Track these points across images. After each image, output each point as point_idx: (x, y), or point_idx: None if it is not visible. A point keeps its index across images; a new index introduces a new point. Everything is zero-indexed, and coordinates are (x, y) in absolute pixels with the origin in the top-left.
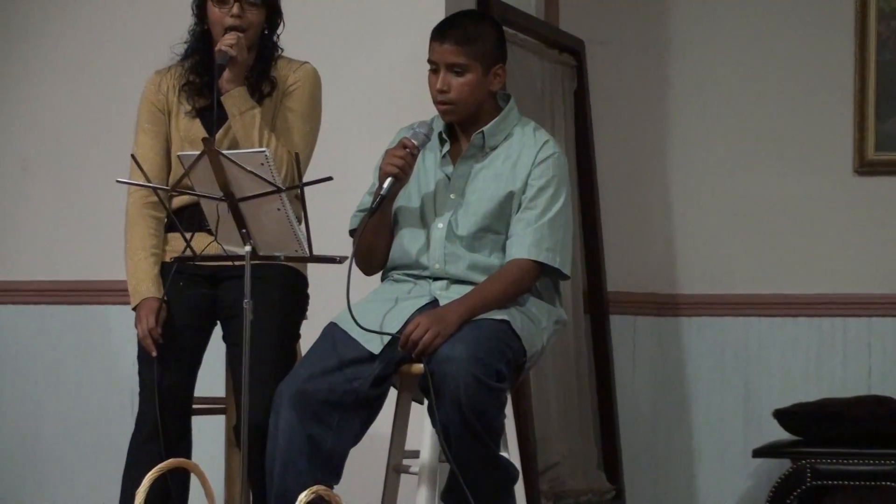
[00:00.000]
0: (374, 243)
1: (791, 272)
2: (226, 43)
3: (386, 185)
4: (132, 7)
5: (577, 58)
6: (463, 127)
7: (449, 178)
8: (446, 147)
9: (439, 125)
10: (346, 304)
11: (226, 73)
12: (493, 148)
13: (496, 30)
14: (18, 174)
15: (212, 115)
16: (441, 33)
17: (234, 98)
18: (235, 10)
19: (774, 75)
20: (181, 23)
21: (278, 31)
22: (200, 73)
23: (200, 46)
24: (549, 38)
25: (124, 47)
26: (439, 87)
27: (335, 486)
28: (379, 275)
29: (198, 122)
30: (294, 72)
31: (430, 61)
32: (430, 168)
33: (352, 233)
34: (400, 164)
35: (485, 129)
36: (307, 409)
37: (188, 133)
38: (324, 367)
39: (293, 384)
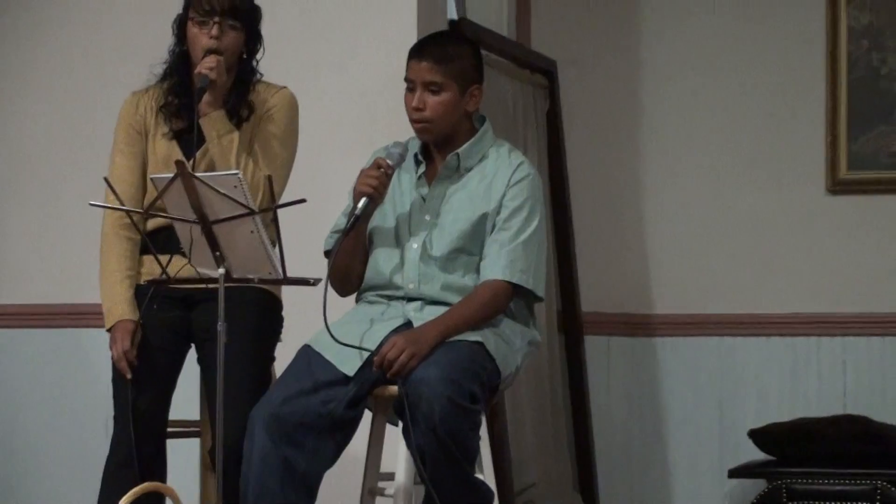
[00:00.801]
0: (349, 264)
1: (765, 291)
2: (206, 66)
3: (360, 204)
4: (109, 28)
5: (549, 78)
6: (439, 148)
7: (424, 199)
8: (422, 168)
9: (415, 146)
10: (323, 325)
11: (205, 97)
12: (468, 169)
13: (474, 51)
14: None
15: (189, 138)
16: (419, 52)
17: (213, 121)
18: (214, 31)
19: (746, 95)
20: (158, 43)
21: (258, 56)
22: (179, 94)
23: (180, 67)
24: (521, 58)
25: (101, 68)
26: (415, 105)
27: None
28: (353, 297)
29: (175, 144)
30: (272, 96)
31: (406, 79)
32: (405, 189)
33: (327, 254)
34: (374, 183)
35: (460, 150)
36: (281, 431)
37: (166, 155)
38: (298, 389)
39: (267, 407)
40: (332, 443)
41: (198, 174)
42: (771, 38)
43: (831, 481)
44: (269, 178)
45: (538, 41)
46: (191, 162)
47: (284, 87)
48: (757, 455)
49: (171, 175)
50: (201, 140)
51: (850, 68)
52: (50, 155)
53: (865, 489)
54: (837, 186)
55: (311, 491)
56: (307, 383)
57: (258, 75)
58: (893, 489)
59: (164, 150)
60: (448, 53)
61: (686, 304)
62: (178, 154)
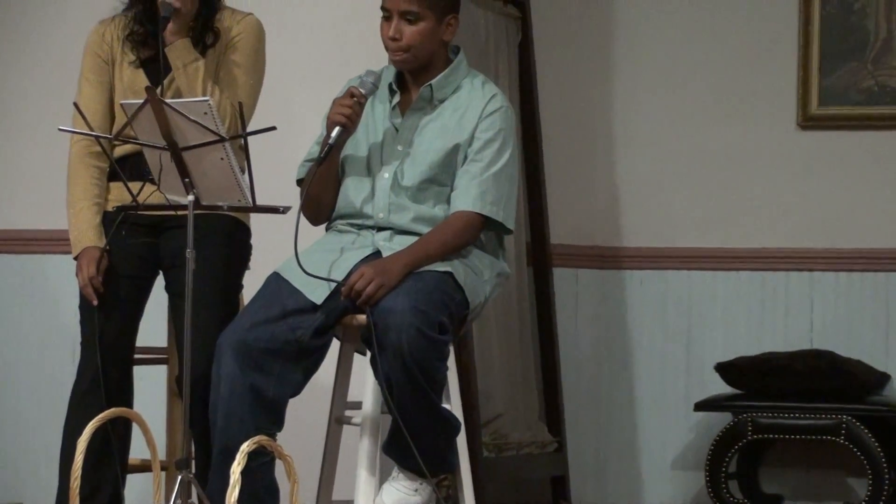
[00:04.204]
0: (321, 193)
1: (734, 226)
2: None
3: (334, 134)
4: None
5: (522, 9)
6: (414, 77)
7: (397, 130)
8: (396, 98)
9: (389, 76)
10: (292, 253)
11: (170, 25)
12: (442, 101)
13: None
14: None
15: (156, 67)
16: None
17: (178, 50)
18: None
19: (719, 28)
20: None
21: None
22: (144, 22)
23: None
24: None
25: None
26: (391, 35)
27: (278, 434)
28: (324, 226)
29: (141, 72)
30: (238, 23)
31: (382, 8)
32: (378, 119)
33: (299, 182)
34: (347, 112)
35: (433, 82)
36: (249, 358)
37: (132, 83)
38: (266, 316)
39: (235, 334)
40: (300, 370)
41: (167, 100)
42: None
43: (797, 415)
44: (240, 105)
45: None
46: (158, 90)
47: (250, 14)
48: (723, 389)
49: (140, 101)
50: (168, 68)
51: (823, 4)
52: (14, 80)
53: (830, 423)
54: (808, 122)
55: (279, 416)
56: (275, 310)
57: (222, 1)
58: (858, 423)
59: (131, 79)
60: None
61: (655, 238)
62: (144, 82)
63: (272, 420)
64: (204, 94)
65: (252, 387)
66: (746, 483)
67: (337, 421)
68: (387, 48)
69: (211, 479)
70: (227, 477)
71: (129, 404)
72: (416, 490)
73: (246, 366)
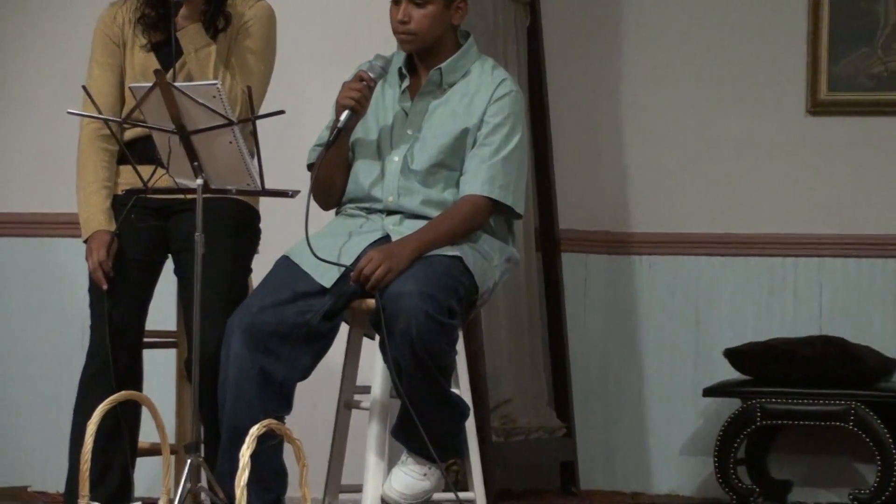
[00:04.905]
0: (331, 177)
1: (743, 211)
2: None
3: (343, 117)
4: None
5: None
6: (423, 61)
7: (406, 114)
8: (406, 82)
9: (399, 60)
10: (303, 237)
11: (182, 10)
12: (451, 85)
13: None
14: None
15: (167, 50)
16: None
17: (190, 35)
18: None
19: (728, 14)
20: None
21: None
22: (156, 6)
23: None
24: None
25: None
26: (400, 18)
27: (287, 417)
28: (333, 211)
29: (153, 56)
30: (249, 8)
31: None
32: (388, 103)
33: (309, 167)
34: (356, 96)
35: (442, 66)
36: (257, 341)
37: (143, 67)
38: (275, 299)
39: (244, 317)
40: (308, 353)
41: (177, 84)
42: None
43: (805, 401)
44: (249, 90)
45: None
46: (169, 74)
47: (262, 0)
48: (732, 374)
49: (149, 84)
50: (179, 52)
51: None
52: (25, 63)
53: (839, 409)
54: (818, 108)
55: (288, 399)
56: (284, 293)
57: None
58: (867, 409)
59: (142, 62)
60: None
61: (664, 223)
62: (155, 66)
63: (280, 403)
64: (215, 79)
65: (261, 369)
66: (755, 469)
67: (346, 405)
68: (395, 32)
69: (219, 461)
70: (235, 459)
71: (139, 387)
72: (424, 475)
73: (255, 348)
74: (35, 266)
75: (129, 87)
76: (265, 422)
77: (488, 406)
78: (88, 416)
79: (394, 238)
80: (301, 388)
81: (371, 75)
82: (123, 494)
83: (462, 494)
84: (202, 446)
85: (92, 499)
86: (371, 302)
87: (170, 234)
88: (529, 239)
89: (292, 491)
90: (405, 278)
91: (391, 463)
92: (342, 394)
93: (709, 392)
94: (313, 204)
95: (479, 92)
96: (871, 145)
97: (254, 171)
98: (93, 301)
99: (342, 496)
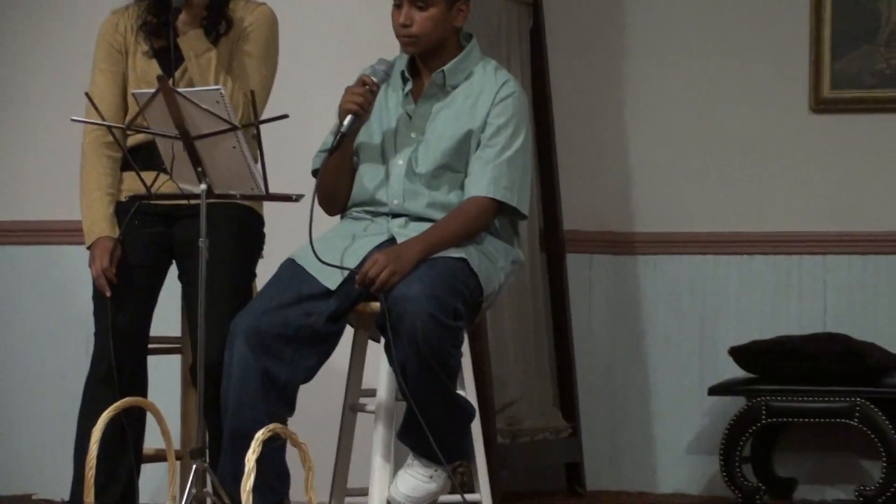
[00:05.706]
0: (336, 182)
1: (747, 210)
2: None
3: (346, 122)
4: None
5: None
6: (426, 64)
7: (410, 117)
8: (409, 85)
9: (401, 63)
10: (307, 241)
11: (182, 15)
12: (454, 87)
13: None
14: None
15: (168, 57)
16: None
17: (191, 40)
18: None
19: (731, 14)
20: None
21: None
22: (157, 13)
23: None
24: None
25: None
26: (402, 21)
27: (290, 419)
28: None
29: (155, 62)
30: (251, 13)
31: None
32: (392, 106)
33: (315, 173)
34: (359, 101)
35: (445, 68)
36: (261, 343)
37: (145, 73)
38: (279, 301)
39: (247, 319)
40: (312, 356)
41: (179, 89)
42: None
43: (811, 399)
44: (252, 94)
45: None
46: (170, 80)
47: (263, 4)
48: (737, 373)
49: (152, 91)
50: (181, 58)
51: None
52: (29, 71)
53: (844, 406)
54: (821, 105)
55: (291, 402)
56: (289, 296)
57: None
58: (872, 406)
59: (144, 69)
60: None
61: (668, 223)
62: (157, 72)
63: (283, 405)
64: (216, 84)
65: (264, 371)
66: (761, 467)
67: (351, 408)
68: (397, 35)
69: (221, 462)
70: (238, 461)
71: (144, 394)
72: (431, 477)
73: (258, 351)
74: (42, 274)
75: (133, 94)
76: (270, 426)
77: (494, 407)
78: (93, 423)
79: (399, 240)
80: (306, 392)
81: (374, 79)
82: (129, 501)
83: (468, 496)
84: (207, 452)
85: None
86: (376, 305)
87: (174, 240)
88: (534, 239)
89: (298, 495)
90: (410, 280)
91: (397, 466)
92: (347, 397)
93: (714, 391)
94: (318, 208)
95: (483, 94)
96: (875, 142)
97: (257, 176)
98: (97, 308)
99: (348, 500)
